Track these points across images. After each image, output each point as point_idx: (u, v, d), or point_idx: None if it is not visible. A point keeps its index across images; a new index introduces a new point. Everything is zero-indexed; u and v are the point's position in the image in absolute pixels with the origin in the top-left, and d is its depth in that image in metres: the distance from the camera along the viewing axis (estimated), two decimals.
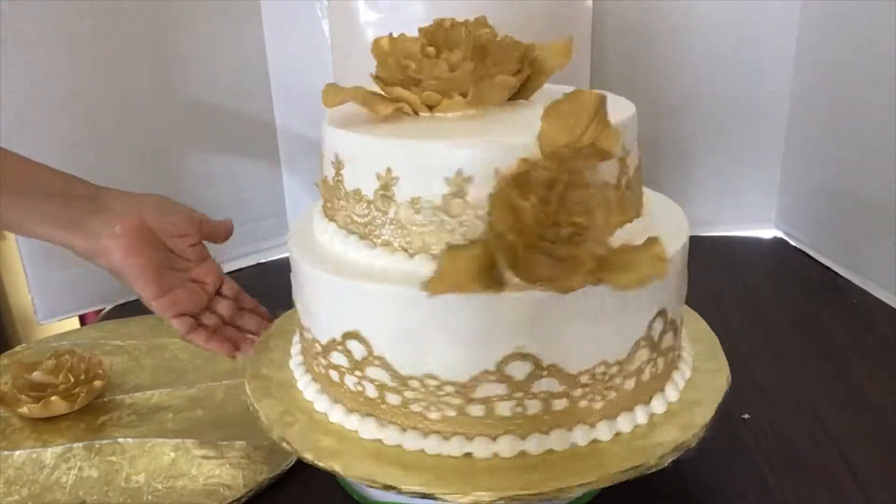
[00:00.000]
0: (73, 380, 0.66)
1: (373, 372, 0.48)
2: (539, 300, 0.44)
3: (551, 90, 0.56)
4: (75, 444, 0.61)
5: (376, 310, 0.47)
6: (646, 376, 0.50)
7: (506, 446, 0.47)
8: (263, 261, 1.03)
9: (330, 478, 0.58)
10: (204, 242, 0.66)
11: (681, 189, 1.02)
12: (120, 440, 0.62)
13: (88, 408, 0.67)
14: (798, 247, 1.01)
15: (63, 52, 0.83)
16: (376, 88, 0.53)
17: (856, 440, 0.62)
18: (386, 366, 0.48)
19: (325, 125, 0.52)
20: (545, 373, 0.46)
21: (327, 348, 0.51)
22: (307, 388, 0.54)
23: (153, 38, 0.88)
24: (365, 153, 0.49)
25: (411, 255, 0.48)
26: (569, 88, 0.58)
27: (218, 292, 0.66)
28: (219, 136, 0.97)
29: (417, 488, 0.46)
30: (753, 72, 0.98)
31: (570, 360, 0.47)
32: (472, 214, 0.46)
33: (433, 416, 0.48)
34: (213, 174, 0.97)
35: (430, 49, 0.50)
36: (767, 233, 1.06)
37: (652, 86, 0.99)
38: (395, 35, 0.53)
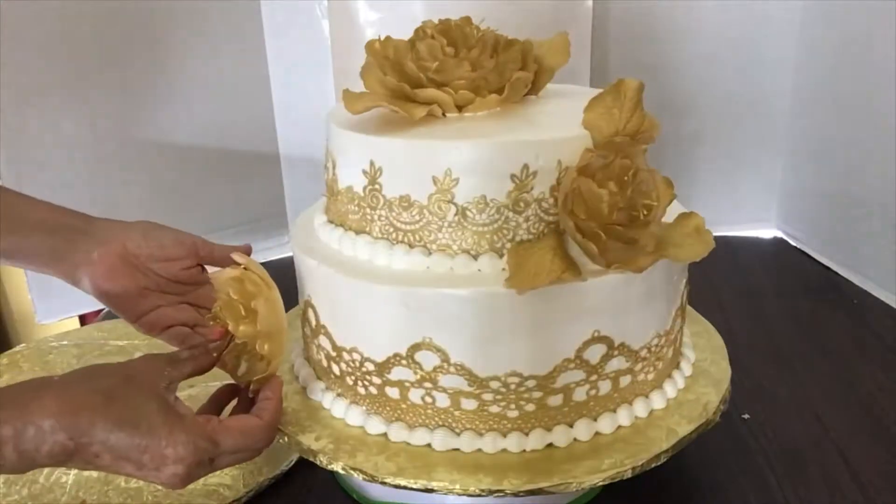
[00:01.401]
0: None
1: (447, 380, 0.47)
2: (614, 283, 0.46)
3: (554, 87, 0.57)
4: None
5: (451, 317, 0.46)
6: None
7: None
8: (263, 261, 1.02)
9: (329, 478, 0.58)
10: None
11: (681, 189, 1.02)
12: None
13: None
14: (798, 247, 1.01)
15: (63, 52, 0.83)
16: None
17: (856, 440, 0.62)
18: (465, 371, 0.47)
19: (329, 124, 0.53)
20: (616, 352, 0.48)
21: (385, 365, 0.49)
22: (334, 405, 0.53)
23: (153, 38, 0.88)
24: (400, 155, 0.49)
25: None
26: (570, 86, 0.60)
27: None
28: (218, 137, 0.97)
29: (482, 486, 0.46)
30: (754, 72, 0.98)
31: (635, 337, 0.50)
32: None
33: (512, 414, 0.48)
34: (212, 174, 0.97)
35: (450, 49, 0.50)
36: (767, 233, 1.06)
37: (652, 86, 0.97)
38: (384, 37, 0.52)
